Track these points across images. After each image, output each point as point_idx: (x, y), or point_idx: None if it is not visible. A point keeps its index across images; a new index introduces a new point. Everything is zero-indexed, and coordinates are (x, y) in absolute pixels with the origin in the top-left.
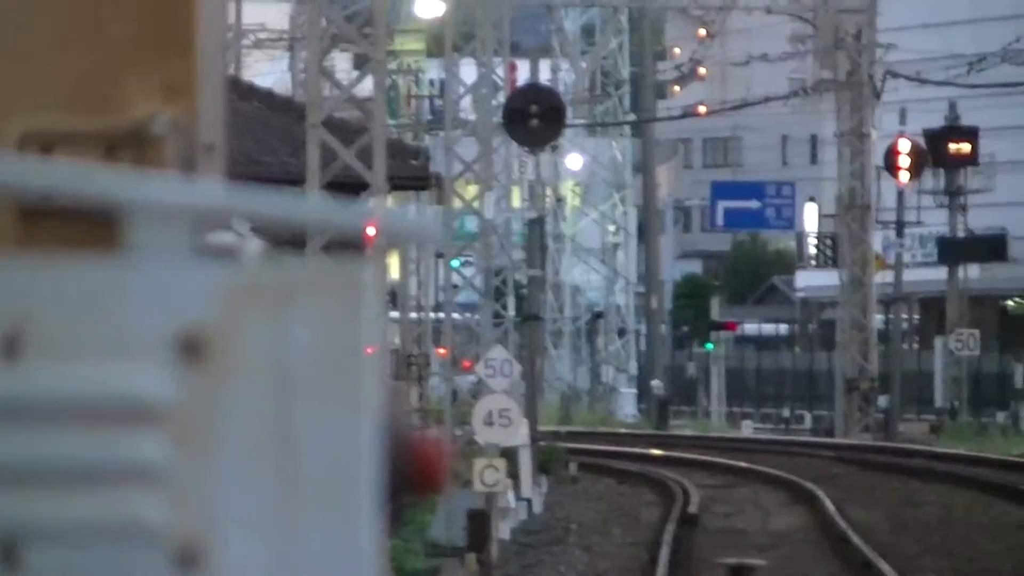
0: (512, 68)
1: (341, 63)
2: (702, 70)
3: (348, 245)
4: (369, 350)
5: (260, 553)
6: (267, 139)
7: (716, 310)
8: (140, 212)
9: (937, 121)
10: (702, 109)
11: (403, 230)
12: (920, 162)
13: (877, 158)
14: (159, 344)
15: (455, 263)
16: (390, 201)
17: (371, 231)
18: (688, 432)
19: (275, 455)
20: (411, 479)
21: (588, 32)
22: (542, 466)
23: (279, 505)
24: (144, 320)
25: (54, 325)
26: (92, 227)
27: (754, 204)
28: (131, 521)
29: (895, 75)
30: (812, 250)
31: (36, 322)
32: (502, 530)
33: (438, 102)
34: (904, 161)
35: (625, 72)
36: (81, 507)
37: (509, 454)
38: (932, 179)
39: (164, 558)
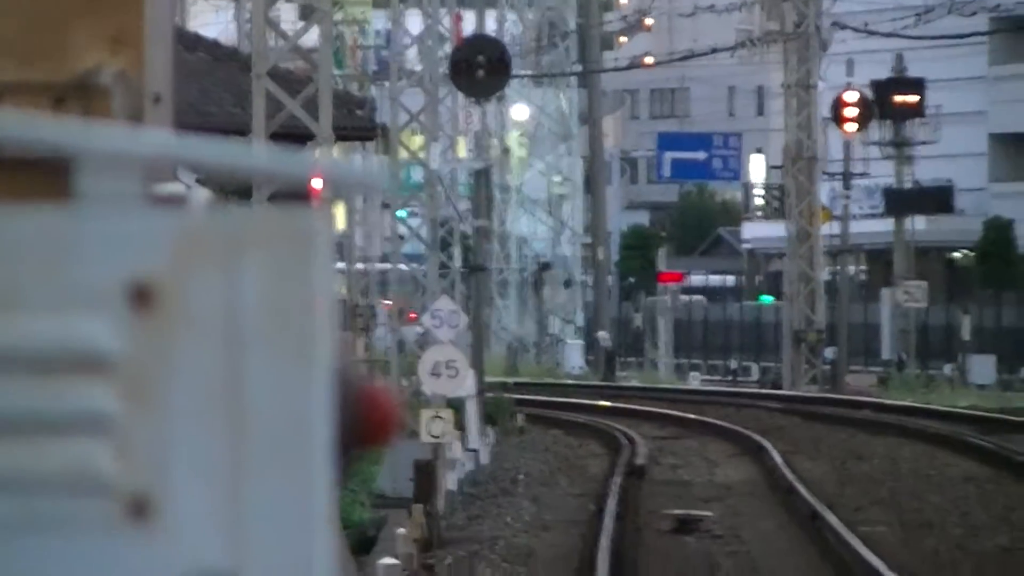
0: (458, 19)
1: (287, 13)
2: (649, 21)
3: (294, 196)
4: (320, 300)
5: (211, 504)
6: (213, 90)
7: (663, 261)
8: (88, 161)
9: (884, 72)
10: (649, 60)
11: (349, 180)
12: (867, 113)
13: (824, 109)
14: (108, 294)
15: (401, 214)
16: (336, 152)
17: (317, 181)
18: (635, 384)
19: (225, 405)
20: (361, 430)
21: None
22: (489, 417)
23: (230, 456)
24: (93, 270)
25: (2, 275)
26: (39, 177)
27: (701, 155)
28: (81, 471)
29: (842, 26)
30: (759, 201)
31: None
32: (449, 481)
33: (384, 53)
34: (851, 112)
35: (572, 23)
36: (31, 456)
37: (456, 405)
38: (879, 130)
39: (114, 508)
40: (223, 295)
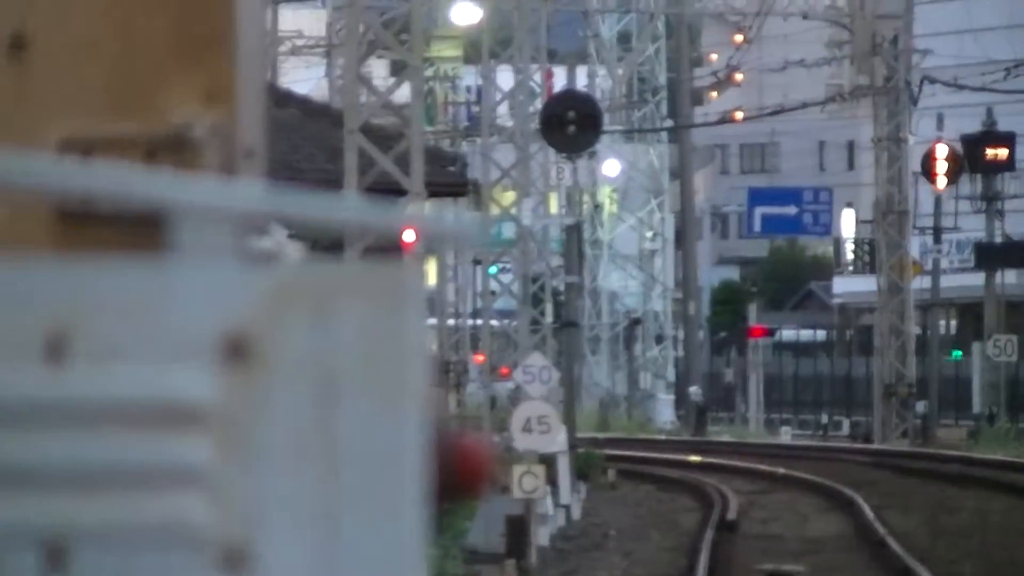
0: (549, 74)
1: (378, 69)
2: (738, 76)
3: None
4: (411, 352)
5: (305, 555)
6: (304, 145)
7: (754, 316)
8: (182, 214)
9: (974, 126)
10: (739, 115)
11: (441, 232)
12: (957, 167)
13: (914, 163)
14: (203, 346)
15: (492, 269)
16: (427, 207)
17: (409, 234)
18: (726, 438)
19: (318, 457)
20: (454, 481)
21: (625, 38)
22: (580, 472)
23: (323, 507)
24: (188, 322)
25: (99, 328)
26: (132, 231)
27: (791, 210)
28: (177, 524)
29: (932, 80)
30: (849, 256)
31: (81, 325)
32: (541, 536)
33: (475, 108)
34: (941, 166)
35: (662, 78)
36: (127, 510)
37: (547, 460)
38: (969, 184)
39: (209, 561)
40: (315, 347)
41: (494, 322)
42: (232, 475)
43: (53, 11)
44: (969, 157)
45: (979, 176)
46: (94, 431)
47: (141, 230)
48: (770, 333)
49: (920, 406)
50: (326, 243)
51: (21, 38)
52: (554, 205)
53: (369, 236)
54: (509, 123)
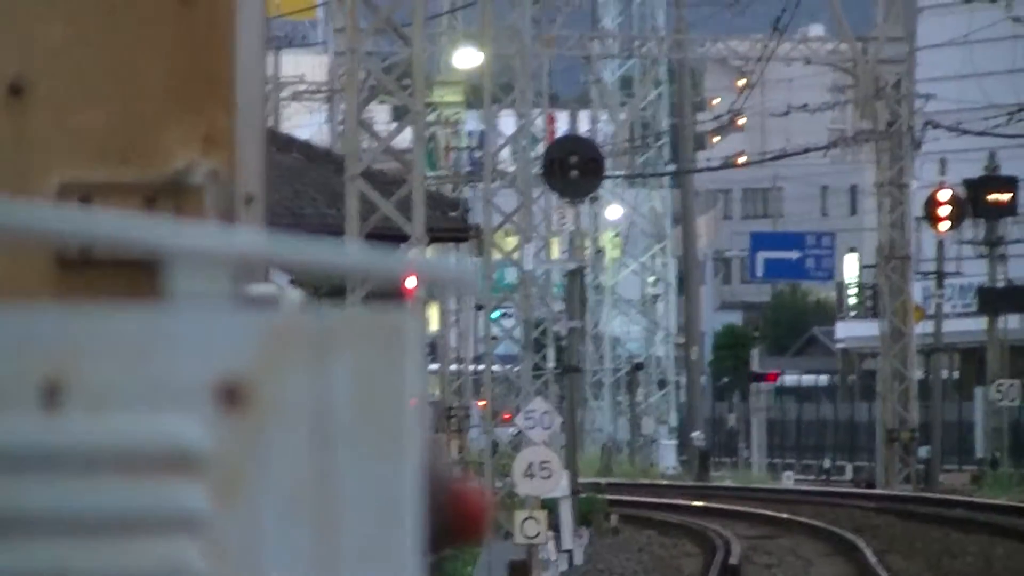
0: (551, 119)
1: (380, 115)
2: (741, 120)
3: (388, 296)
4: (411, 401)
5: None
6: (306, 190)
7: (756, 361)
8: (179, 260)
9: (976, 171)
10: (741, 159)
11: (441, 278)
12: (960, 212)
13: (917, 208)
14: (199, 393)
15: (494, 315)
16: (429, 253)
17: (410, 280)
18: (729, 483)
19: (315, 503)
20: (452, 528)
21: (627, 83)
22: (583, 518)
23: (320, 553)
24: (184, 368)
25: (94, 374)
26: (130, 277)
27: (794, 255)
28: (173, 570)
29: (935, 125)
30: (852, 300)
31: (76, 371)
32: None
33: (477, 153)
34: (944, 211)
35: (664, 122)
36: (123, 556)
37: (550, 506)
38: (972, 229)
39: None
40: (312, 393)
41: (496, 367)
42: (229, 522)
43: (52, 57)
44: (972, 201)
45: (982, 220)
46: (90, 477)
47: (139, 276)
48: (775, 378)
49: (923, 451)
50: (328, 289)
51: (19, 84)
52: (556, 250)
53: (370, 282)
54: (511, 168)
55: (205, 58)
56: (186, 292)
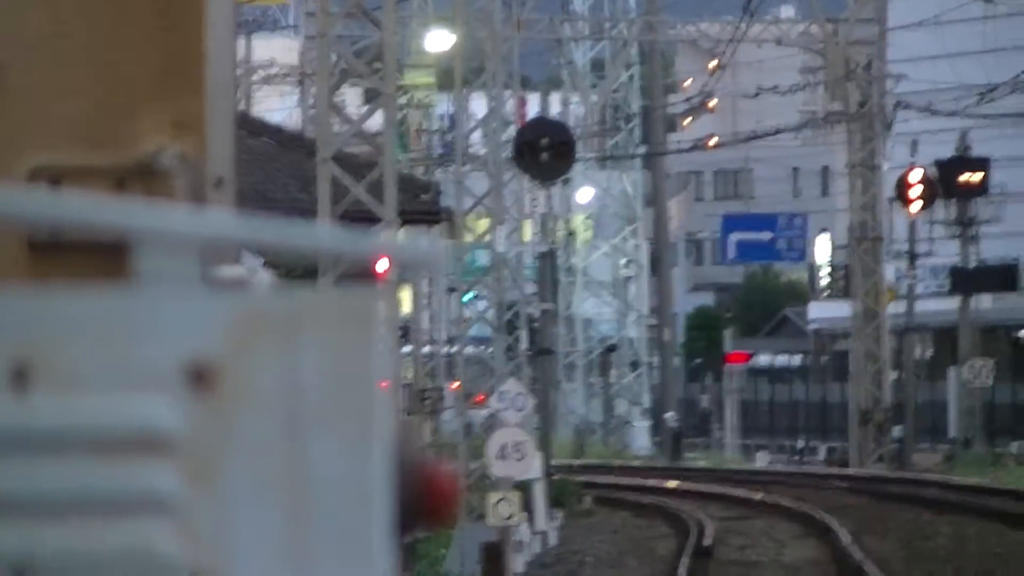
0: (522, 102)
1: (351, 98)
2: (712, 102)
3: (360, 279)
4: (382, 383)
5: None
6: (277, 174)
7: (729, 342)
8: (148, 242)
9: (948, 152)
10: (713, 141)
11: (412, 258)
12: (931, 193)
13: (888, 189)
14: (169, 374)
15: (467, 297)
16: (401, 235)
17: (381, 263)
18: (702, 464)
19: (286, 484)
20: (422, 510)
21: (598, 65)
22: (556, 499)
23: (290, 534)
24: (153, 350)
25: (63, 356)
26: (101, 260)
27: (766, 236)
28: (143, 551)
29: (906, 106)
30: (824, 281)
31: (45, 353)
32: (517, 563)
33: (448, 136)
34: (915, 192)
35: (635, 105)
36: (93, 537)
37: (523, 487)
38: (944, 210)
39: None
40: (282, 374)
41: (469, 349)
42: (199, 503)
43: (25, 43)
44: (943, 182)
45: (953, 201)
46: (60, 459)
47: (109, 259)
48: (747, 359)
49: (896, 431)
50: (300, 272)
51: None
52: (528, 232)
53: (342, 264)
54: (483, 151)
55: (176, 43)
56: (156, 274)
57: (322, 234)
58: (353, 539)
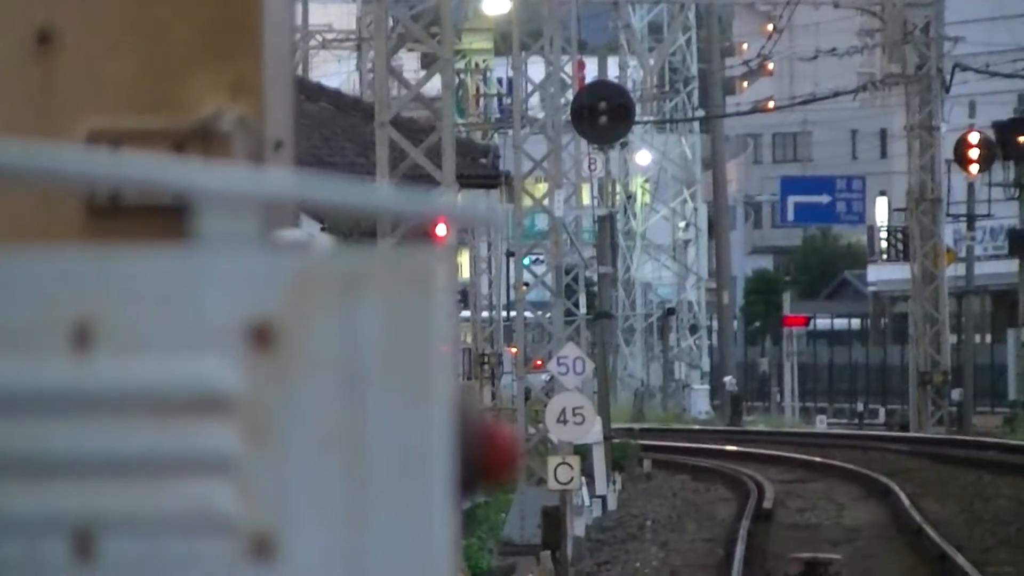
0: (580, 66)
1: (409, 62)
2: (770, 65)
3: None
4: (442, 347)
5: (332, 543)
6: (335, 139)
7: (788, 305)
8: (208, 202)
9: (1006, 113)
10: (770, 104)
11: (471, 218)
12: (990, 154)
13: (947, 151)
14: (228, 334)
15: (526, 261)
16: (459, 200)
17: (440, 227)
18: (762, 428)
19: (345, 445)
20: (483, 469)
21: (655, 29)
22: (616, 463)
23: (350, 494)
24: (214, 310)
25: (124, 317)
26: (160, 223)
27: (824, 199)
28: (204, 512)
29: (963, 68)
30: (883, 244)
31: (106, 314)
32: (577, 527)
33: (506, 100)
34: (974, 154)
35: (693, 68)
36: (154, 498)
37: (583, 452)
38: (1002, 171)
39: (237, 549)
40: (342, 334)
41: (528, 314)
42: (259, 463)
43: (80, 5)
44: (1002, 144)
45: (1012, 163)
46: (121, 420)
47: (168, 222)
48: (806, 322)
49: (955, 394)
50: (358, 237)
51: (48, 32)
52: (586, 196)
53: (402, 227)
54: (540, 115)
55: (233, 5)
56: (215, 234)
57: (381, 193)
58: (412, 500)
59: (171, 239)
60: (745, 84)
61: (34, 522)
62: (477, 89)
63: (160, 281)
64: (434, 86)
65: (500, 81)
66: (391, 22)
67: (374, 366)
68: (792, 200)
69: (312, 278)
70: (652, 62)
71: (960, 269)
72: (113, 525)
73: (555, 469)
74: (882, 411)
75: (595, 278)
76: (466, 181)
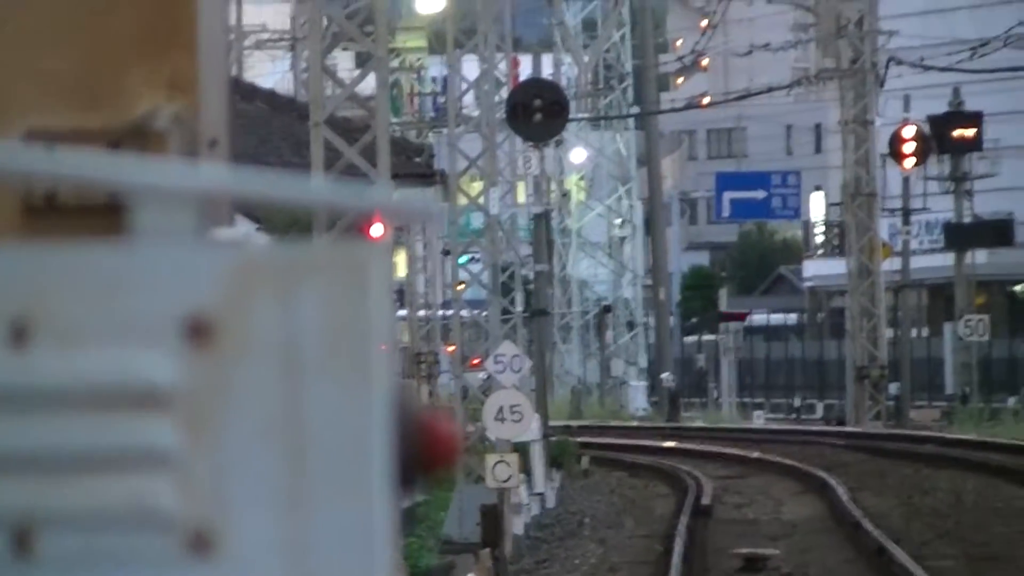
0: (514, 63)
1: (343, 62)
2: (704, 61)
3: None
4: (381, 345)
5: (272, 535)
6: (270, 138)
7: (724, 301)
8: (144, 197)
9: (941, 107)
10: (705, 100)
11: (407, 212)
12: (925, 148)
13: (882, 145)
14: (166, 328)
15: (462, 259)
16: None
17: (376, 228)
18: (699, 424)
19: (284, 437)
20: (422, 457)
21: (590, 25)
22: (554, 461)
23: (290, 487)
24: (150, 304)
25: (61, 311)
26: (96, 222)
27: (760, 194)
28: (142, 506)
29: (898, 62)
30: (819, 239)
31: (43, 309)
32: (515, 525)
33: (441, 99)
34: (909, 148)
35: (627, 65)
36: (92, 493)
37: (521, 449)
38: (937, 165)
39: (176, 542)
40: (280, 326)
41: (464, 312)
42: (198, 457)
43: (15, 2)
44: (937, 137)
45: (947, 156)
46: (59, 415)
47: (105, 222)
48: (744, 318)
49: (893, 388)
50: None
51: None
52: (522, 194)
53: (341, 223)
54: (475, 113)
55: (168, 4)
56: (151, 229)
57: (317, 188)
58: (353, 491)
59: (109, 235)
60: (680, 80)
61: None
62: (412, 88)
63: (97, 276)
64: (369, 85)
65: (434, 79)
66: (325, 21)
67: (312, 358)
68: (728, 196)
69: (248, 272)
70: (586, 59)
71: (896, 263)
72: (52, 520)
73: (493, 467)
74: (820, 406)
75: (531, 276)
76: (401, 180)
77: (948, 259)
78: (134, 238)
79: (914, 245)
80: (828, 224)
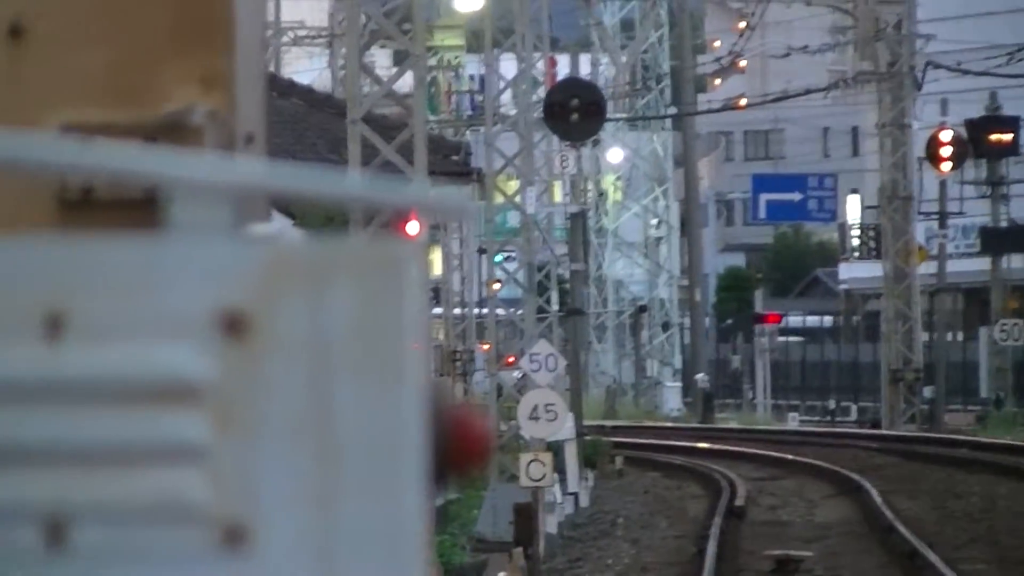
0: (552, 63)
1: (381, 59)
2: (742, 63)
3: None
4: (414, 343)
5: (304, 531)
6: (307, 135)
7: (760, 302)
8: (179, 191)
9: (978, 111)
10: (742, 102)
11: (443, 207)
12: (961, 152)
13: (919, 149)
14: (200, 323)
15: (498, 258)
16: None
17: (412, 225)
18: (733, 425)
19: (317, 433)
20: (454, 454)
21: (627, 26)
22: (588, 460)
23: (322, 482)
24: (184, 299)
25: (95, 306)
26: (131, 216)
27: (796, 196)
28: (175, 500)
29: (935, 66)
30: (855, 242)
31: (77, 303)
32: (548, 524)
33: (478, 97)
34: (946, 151)
35: (665, 65)
36: (125, 487)
37: (555, 448)
38: (974, 169)
39: (208, 537)
40: (313, 323)
41: (500, 311)
42: (230, 452)
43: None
44: (973, 142)
45: (983, 161)
46: (92, 408)
47: (140, 215)
48: (779, 320)
49: (927, 391)
50: (331, 232)
51: (19, 25)
52: (558, 193)
53: (377, 219)
54: (512, 111)
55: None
56: (186, 223)
57: (352, 184)
58: (385, 484)
59: (143, 229)
60: (717, 81)
61: (5, 511)
62: (449, 86)
63: (132, 270)
64: (406, 83)
65: (472, 78)
66: (363, 19)
67: (345, 354)
68: (764, 197)
69: (283, 267)
70: (624, 59)
71: (932, 267)
72: (84, 514)
73: (527, 466)
74: (854, 408)
75: (567, 275)
76: (438, 178)
77: (984, 263)
78: (169, 232)
79: (950, 249)
80: (864, 227)
